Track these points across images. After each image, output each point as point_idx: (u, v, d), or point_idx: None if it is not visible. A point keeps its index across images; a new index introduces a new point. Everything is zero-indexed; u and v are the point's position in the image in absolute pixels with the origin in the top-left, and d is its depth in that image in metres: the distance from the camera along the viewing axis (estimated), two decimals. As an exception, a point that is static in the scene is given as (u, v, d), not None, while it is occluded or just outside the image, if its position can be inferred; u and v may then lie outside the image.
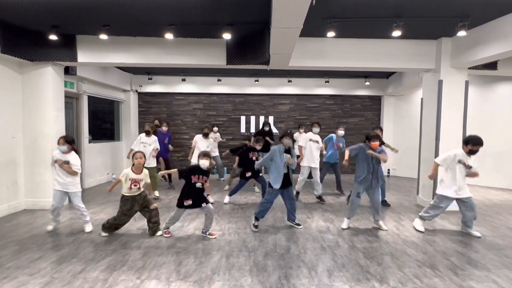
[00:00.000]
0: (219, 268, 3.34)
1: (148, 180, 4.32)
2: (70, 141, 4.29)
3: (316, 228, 4.68)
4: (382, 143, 5.59)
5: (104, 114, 9.27)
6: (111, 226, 4.21)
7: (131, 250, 3.77)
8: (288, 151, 4.53)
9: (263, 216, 4.61)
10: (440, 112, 5.68)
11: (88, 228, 4.39)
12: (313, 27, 4.97)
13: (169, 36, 5.03)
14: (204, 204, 4.12)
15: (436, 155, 5.69)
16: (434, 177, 4.60)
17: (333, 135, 6.73)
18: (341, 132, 6.64)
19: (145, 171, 4.26)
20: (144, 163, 4.26)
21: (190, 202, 4.05)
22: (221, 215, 5.30)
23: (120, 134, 9.33)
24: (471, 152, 4.29)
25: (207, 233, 4.26)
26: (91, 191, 7.10)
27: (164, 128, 7.57)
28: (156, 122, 8.46)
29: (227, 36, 4.92)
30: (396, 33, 4.77)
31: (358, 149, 4.52)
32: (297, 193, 6.28)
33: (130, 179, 4.12)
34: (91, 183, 7.66)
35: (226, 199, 6.14)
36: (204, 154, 4.08)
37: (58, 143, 4.23)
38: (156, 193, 6.45)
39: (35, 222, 4.81)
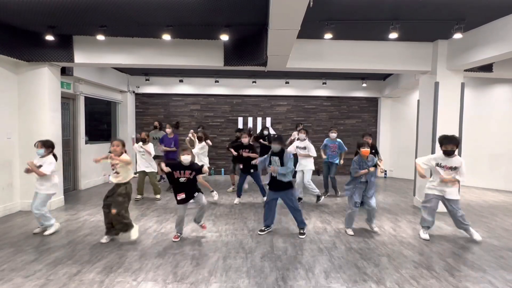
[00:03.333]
0: (216, 269, 3.33)
1: (128, 166, 4.17)
2: (48, 145, 4.30)
3: (313, 229, 4.68)
4: (375, 152, 5.57)
5: (101, 115, 9.23)
6: (108, 227, 4.12)
7: (128, 252, 3.75)
8: (277, 154, 4.34)
9: (269, 221, 4.51)
10: (437, 114, 5.72)
11: (49, 231, 4.33)
12: (310, 29, 4.99)
13: (166, 37, 5.02)
14: (196, 194, 4.13)
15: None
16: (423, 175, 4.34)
17: (327, 139, 6.76)
18: (333, 134, 6.64)
19: (123, 157, 4.10)
20: (121, 152, 4.11)
21: (183, 195, 4.04)
22: (218, 216, 5.29)
23: (117, 135, 9.28)
24: (446, 153, 4.10)
25: (200, 224, 4.35)
26: (87, 193, 7.07)
27: (168, 130, 7.10)
28: (156, 123, 8.32)
29: (224, 37, 4.93)
30: (393, 35, 4.80)
31: (357, 164, 4.40)
32: (299, 198, 6.06)
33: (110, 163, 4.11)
34: (87, 184, 7.62)
35: (236, 200, 6.18)
36: (184, 149, 4.08)
37: (36, 146, 4.26)
38: (158, 196, 6.47)
39: (31, 224, 4.77)
